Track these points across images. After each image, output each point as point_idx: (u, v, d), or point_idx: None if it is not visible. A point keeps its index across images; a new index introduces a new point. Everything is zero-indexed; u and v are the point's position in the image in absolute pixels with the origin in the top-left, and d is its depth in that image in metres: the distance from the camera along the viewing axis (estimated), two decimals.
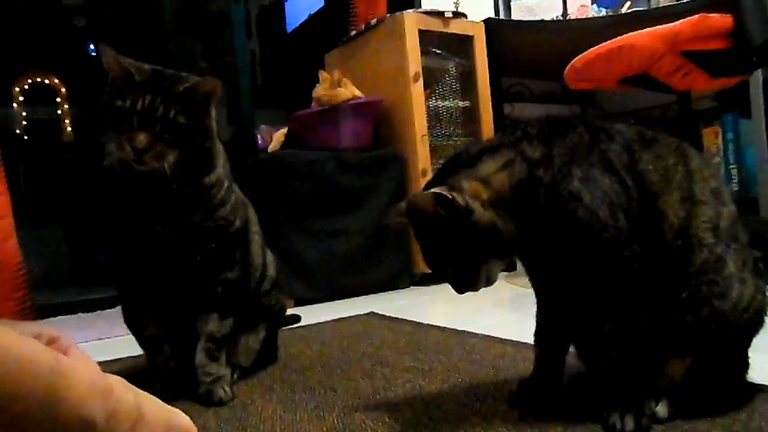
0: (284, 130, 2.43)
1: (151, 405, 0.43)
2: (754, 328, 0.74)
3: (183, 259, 0.95)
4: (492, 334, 1.26)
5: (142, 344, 1.05)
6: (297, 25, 3.62)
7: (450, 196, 0.69)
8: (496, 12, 2.78)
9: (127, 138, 0.84)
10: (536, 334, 0.82)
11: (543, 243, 0.72)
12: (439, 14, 2.36)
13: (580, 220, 0.67)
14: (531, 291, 0.83)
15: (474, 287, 0.74)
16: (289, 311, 1.71)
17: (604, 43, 1.61)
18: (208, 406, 0.92)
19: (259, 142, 2.55)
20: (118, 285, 1.02)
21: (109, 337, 1.63)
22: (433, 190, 0.70)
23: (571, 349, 0.83)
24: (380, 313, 1.67)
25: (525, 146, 0.71)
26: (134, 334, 1.04)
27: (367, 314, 1.67)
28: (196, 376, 0.96)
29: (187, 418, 0.46)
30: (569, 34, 2.38)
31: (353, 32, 2.55)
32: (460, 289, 0.74)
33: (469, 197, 0.70)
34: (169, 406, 0.46)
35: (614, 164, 0.69)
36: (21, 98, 3.38)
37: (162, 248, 0.93)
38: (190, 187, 0.91)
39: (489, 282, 0.74)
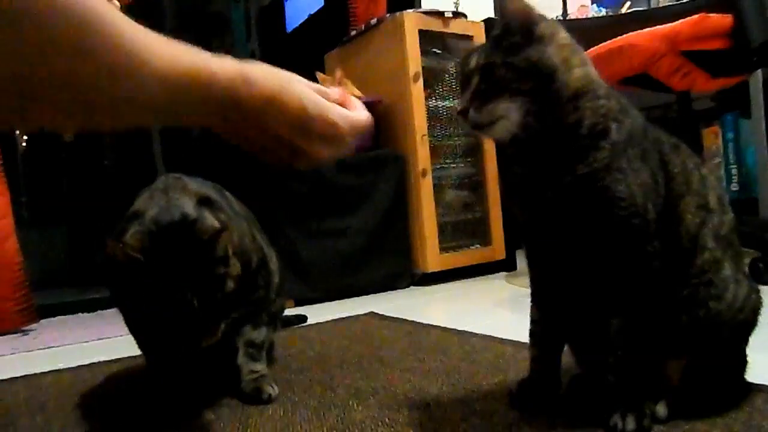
0: None
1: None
2: (750, 326, 0.75)
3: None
4: (492, 334, 1.26)
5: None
6: (297, 25, 3.62)
7: (537, 17, 0.69)
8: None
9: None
10: (532, 333, 0.81)
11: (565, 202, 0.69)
12: (439, 14, 2.36)
13: (615, 195, 0.67)
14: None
15: (478, 116, 0.69)
16: (291, 311, 1.71)
17: (604, 43, 1.60)
18: (257, 404, 0.91)
19: None
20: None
21: (109, 337, 1.63)
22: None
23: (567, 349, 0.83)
24: (380, 313, 1.67)
25: (613, 99, 0.72)
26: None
27: (367, 314, 1.67)
28: (239, 376, 0.96)
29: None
30: (569, 34, 2.38)
31: (353, 32, 2.55)
32: (468, 107, 0.70)
33: (556, 38, 0.71)
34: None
35: (650, 161, 0.70)
36: None
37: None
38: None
39: (488, 124, 0.69)
